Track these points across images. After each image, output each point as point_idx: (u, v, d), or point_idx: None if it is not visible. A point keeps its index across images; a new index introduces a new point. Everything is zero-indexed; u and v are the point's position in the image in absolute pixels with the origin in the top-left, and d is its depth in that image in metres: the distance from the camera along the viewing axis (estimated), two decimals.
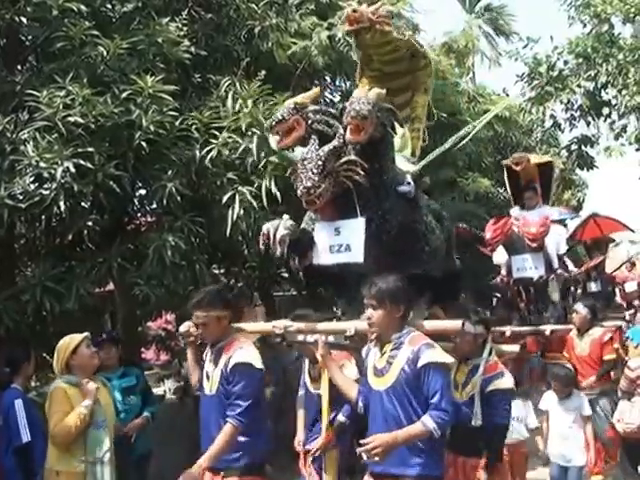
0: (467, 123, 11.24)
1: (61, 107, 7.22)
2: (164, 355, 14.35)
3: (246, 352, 5.02)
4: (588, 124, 14.76)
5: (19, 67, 8.26)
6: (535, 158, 10.32)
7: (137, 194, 8.66)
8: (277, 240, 5.03)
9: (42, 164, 7.04)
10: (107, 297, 9.33)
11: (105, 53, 7.75)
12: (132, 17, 8.61)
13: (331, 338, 5.18)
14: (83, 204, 7.61)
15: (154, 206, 8.34)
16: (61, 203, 7.08)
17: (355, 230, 4.94)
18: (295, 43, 9.52)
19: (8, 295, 7.35)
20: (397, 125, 5.52)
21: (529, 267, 9.08)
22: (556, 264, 9.22)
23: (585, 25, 14.26)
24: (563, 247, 9.53)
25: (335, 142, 4.93)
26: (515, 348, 6.27)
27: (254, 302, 12.51)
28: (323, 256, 5.10)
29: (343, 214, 5.03)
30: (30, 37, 8.39)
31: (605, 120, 14.59)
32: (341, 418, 6.19)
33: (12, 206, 7.03)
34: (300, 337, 5.44)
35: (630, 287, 13.59)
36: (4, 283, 7.82)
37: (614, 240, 12.73)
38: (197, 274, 7.79)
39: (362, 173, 4.92)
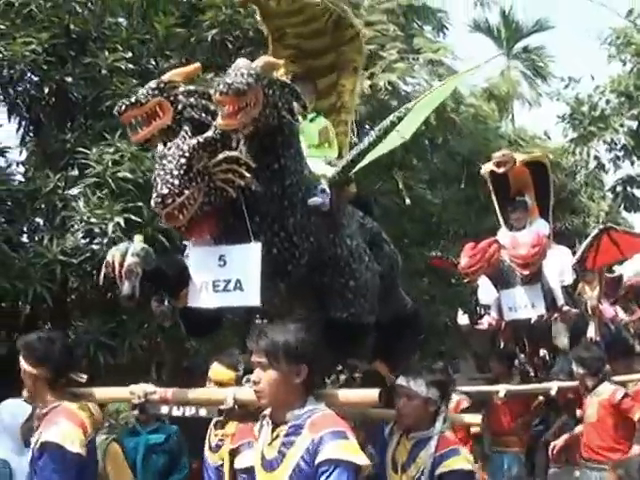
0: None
1: (110, 164, 7.38)
2: None
3: (60, 428, 3.82)
4: (632, 163, 14.64)
5: (69, 125, 8.43)
6: (524, 157, 8.08)
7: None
8: (123, 272, 3.61)
9: (93, 220, 7.17)
10: (155, 349, 9.39)
11: None
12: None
13: (203, 412, 4.00)
14: None
15: None
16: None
17: (248, 259, 3.60)
18: None
19: None
20: (308, 112, 4.32)
21: (524, 305, 7.02)
22: (561, 299, 7.20)
23: (625, 63, 14.23)
24: (569, 276, 7.49)
25: (209, 133, 3.59)
26: (477, 418, 4.73)
27: None
28: (204, 297, 3.69)
29: (229, 236, 3.70)
30: (79, 96, 8.57)
31: None
32: None
33: (64, 262, 7.15)
34: (164, 409, 4.11)
35: None
36: None
37: None
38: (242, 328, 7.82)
39: (249, 176, 3.62)
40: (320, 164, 4.20)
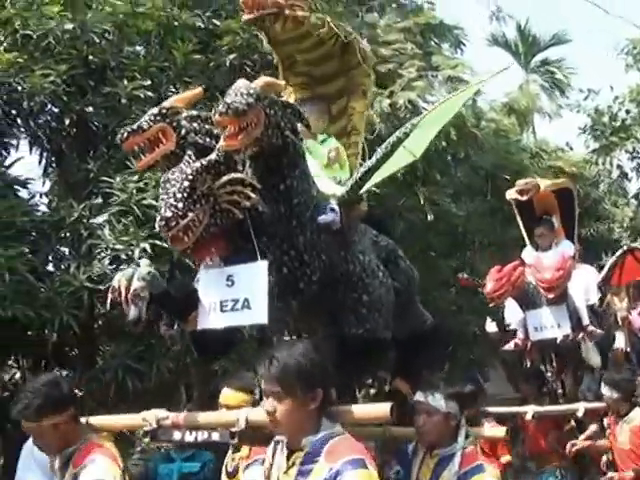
0: None
1: (135, 191, 7.45)
2: None
3: (99, 466, 3.69)
4: None
5: (91, 155, 8.51)
6: (547, 183, 7.98)
7: None
8: (129, 297, 3.60)
9: (119, 246, 7.23)
10: (183, 371, 9.41)
11: None
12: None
13: (216, 436, 3.86)
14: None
15: None
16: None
17: (255, 277, 3.57)
18: None
19: (90, 376, 7.48)
20: (319, 133, 4.36)
21: (550, 325, 7.00)
22: (586, 319, 7.08)
23: None
24: (594, 295, 7.29)
25: (212, 156, 3.59)
26: (500, 431, 4.67)
27: None
28: (212, 317, 3.68)
29: (238, 257, 3.68)
30: (100, 125, 8.66)
31: None
32: None
33: (91, 288, 7.20)
34: (177, 435, 3.94)
35: None
36: (85, 364, 7.97)
37: None
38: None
39: (255, 197, 3.61)
40: (330, 184, 4.21)
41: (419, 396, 3.94)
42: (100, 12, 8.38)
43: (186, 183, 3.46)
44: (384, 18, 11.94)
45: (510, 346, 7.46)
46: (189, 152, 3.60)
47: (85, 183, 8.07)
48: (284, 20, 4.17)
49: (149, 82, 8.34)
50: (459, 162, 12.13)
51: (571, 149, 15.68)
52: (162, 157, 3.63)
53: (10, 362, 8.82)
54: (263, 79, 3.68)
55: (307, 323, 4.06)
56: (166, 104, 3.72)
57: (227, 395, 4.98)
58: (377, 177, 3.96)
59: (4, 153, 8.51)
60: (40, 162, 8.69)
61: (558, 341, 6.97)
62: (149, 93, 8.17)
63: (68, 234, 7.78)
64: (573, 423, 7.18)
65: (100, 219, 7.56)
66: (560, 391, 7.43)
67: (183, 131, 3.64)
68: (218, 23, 9.04)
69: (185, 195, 3.44)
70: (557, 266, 6.94)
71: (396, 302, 4.21)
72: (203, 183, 3.50)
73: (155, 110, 3.67)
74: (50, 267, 7.83)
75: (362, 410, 3.50)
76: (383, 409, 3.43)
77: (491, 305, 7.17)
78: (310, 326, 4.07)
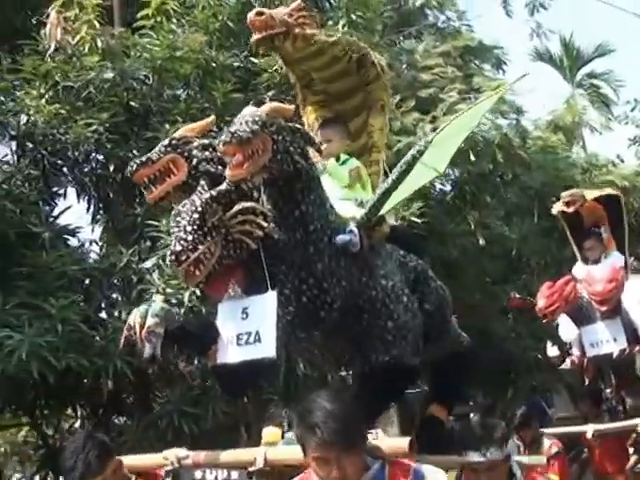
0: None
1: None
2: None
3: None
4: None
5: (137, 200, 8.57)
6: (593, 193, 7.75)
7: None
8: (143, 334, 3.55)
9: (169, 290, 7.21)
10: (241, 411, 9.37)
11: None
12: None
13: (235, 475, 3.84)
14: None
15: None
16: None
17: (265, 309, 3.45)
18: (400, 140, 9.58)
19: (147, 422, 7.46)
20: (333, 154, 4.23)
21: (605, 340, 6.78)
22: None
23: None
24: None
25: (222, 186, 3.50)
26: (541, 460, 4.62)
27: None
28: (230, 352, 3.57)
29: (255, 287, 3.58)
30: None
31: None
32: None
33: None
34: (198, 474, 3.94)
35: None
36: (142, 410, 7.96)
37: None
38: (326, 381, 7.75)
39: (267, 225, 3.55)
40: (350, 206, 4.06)
41: (474, 456, 3.71)
42: (138, 59, 8.45)
43: (196, 215, 3.39)
44: (422, 44, 11.94)
45: (567, 364, 7.36)
46: (202, 182, 3.52)
47: (133, 228, 8.12)
48: (294, 38, 4.06)
49: (190, 124, 8.37)
50: (508, 183, 11.97)
51: (622, 161, 15.42)
52: (175, 188, 3.56)
53: (68, 411, 8.85)
54: (269, 105, 3.59)
55: (331, 352, 3.94)
56: (176, 135, 3.67)
57: (267, 433, 4.91)
58: (397, 197, 3.88)
59: (52, 203, 8.63)
60: (88, 210, 8.78)
61: (614, 356, 6.74)
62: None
63: (119, 280, 7.82)
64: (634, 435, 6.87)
65: (149, 263, 7.57)
66: (620, 408, 7.20)
67: (195, 161, 3.58)
68: (256, 61, 9.08)
69: (195, 227, 3.36)
70: (608, 278, 6.74)
71: (428, 324, 4.08)
72: (213, 214, 3.42)
73: (165, 141, 3.62)
74: (103, 314, 7.87)
75: (385, 444, 3.35)
76: (402, 443, 3.33)
77: (544, 321, 6.99)
78: (335, 355, 3.96)
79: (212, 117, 4.13)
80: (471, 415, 12.62)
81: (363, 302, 3.83)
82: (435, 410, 4.34)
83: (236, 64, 8.98)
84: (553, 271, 11.78)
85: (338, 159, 4.29)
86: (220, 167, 3.54)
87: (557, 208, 7.56)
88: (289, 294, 3.56)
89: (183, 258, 3.33)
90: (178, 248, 3.34)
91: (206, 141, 3.69)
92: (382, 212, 3.94)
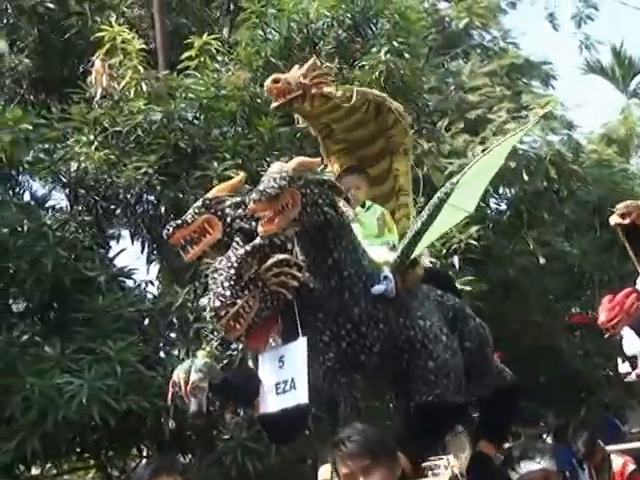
0: None
1: None
2: None
3: None
4: None
5: None
6: None
7: None
8: (188, 390, 3.59)
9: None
10: (305, 446, 9.29)
11: None
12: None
13: None
14: None
15: None
16: (250, 362, 7.21)
17: (297, 356, 3.55)
18: (451, 163, 9.52)
19: (211, 460, 7.45)
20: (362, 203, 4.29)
21: None
22: None
23: None
24: None
25: (256, 240, 3.60)
26: None
27: None
28: (269, 401, 3.65)
29: (293, 336, 3.68)
30: None
31: None
32: None
33: None
34: None
35: None
36: (204, 448, 7.95)
37: None
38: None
39: (302, 276, 3.66)
40: (383, 251, 4.14)
41: (532, 465, 3.68)
42: (184, 100, 8.58)
43: (232, 271, 3.49)
44: (468, 64, 11.89)
45: (632, 377, 7.23)
46: (237, 239, 3.64)
47: (187, 267, 8.14)
48: (311, 99, 4.15)
49: (239, 161, 8.44)
50: (564, 199, 11.80)
51: None
52: (211, 247, 3.70)
53: (133, 451, 8.89)
54: (296, 160, 3.68)
55: (374, 395, 4.02)
56: (209, 195, 3.79)
57: (323, 470, 4.85)
58: (428, 239, 3.95)
59: (107, 247, 8.76)
60: (142, 251, 8.89)
61: None
62: (239, 171, 8.24)
63: (175, 319, 7.86)
64: None
65: (205, 301, 7.58)
66: None
67: (228, 219, 3.72)
68: None
69: (232, 283, 3.48)
70: None
71: (469, 362, 4.13)
72: (249, 268, 3.53)
73: (199, 203, 3.75)
74: (161, 354, 7.92)
75: None
76: None
77: (607, 335, 6.81)
78: (377, 398, 4.06)
79: (242, 174, 4.27)
80: (544, 436, 12.42)
81: (402, 343, 3.91)
82: (483, 446, 4.38)
83: None
84: (616, 285, 11.56)
85: (363, 205, 4.35)
86: (253, 223, 3.63)
87: (613, 220, 7.33)
88: (328, 340, 3.66)
89: (222, 313, 3.44)
90: (217, 304, 3.46)
91: (238, 199, 3.81)
92: (414, 255, 4.00)
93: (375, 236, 4.27)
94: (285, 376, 3.58)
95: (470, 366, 4.12)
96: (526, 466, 3.68)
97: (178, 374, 3.66)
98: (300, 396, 3.49)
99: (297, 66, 4.29)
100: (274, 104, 4.17)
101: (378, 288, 3.80)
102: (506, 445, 4.50)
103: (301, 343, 3.55)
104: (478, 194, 4.00)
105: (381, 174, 4.60)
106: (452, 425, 4.20)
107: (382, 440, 2.88)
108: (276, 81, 4.08)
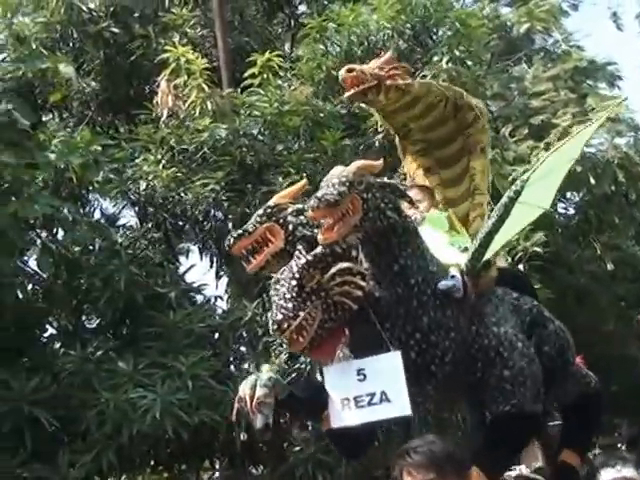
0: None
1: None
2: None
3: None
4: None
5: None
6: None
7: None
8: (254, 405, 3.46)
9: None
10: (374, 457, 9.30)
11: None
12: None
13: None
14: None
15: None
16: (318, 374, 7.26)
17: (390, 369, 3.43)
18: (515, 170, 9.43)
19: (282, 473, 7.52)
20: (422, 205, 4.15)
21: None
22: None
23: None
24: None
25: (317, 249, 3.45)
26: None
27: None
28: (347, 415, 3.50)
29: (363, 347, 3.56)
30: None
31: None
32: None
33: None
34: None
35: None
36: (276, 460, 8.02)
37: None
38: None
39: (366, 284, 3.50)
40: (454, 253, 3.97)
41: (611, 473, 3.54)
42: (248, 116, 8.71)
43: (294, 282, 3.36)
44: (531, 69, 11.76)
45: None
46: (299, 247, 3.49)
47: (256, 281, 8.23)
48: (386, 90, 4.00)
49: (304, 175, 8.50)
50: (634, 203, 11.60)
51: None
52: (274, 256, 3.56)
53: (205, 464, 9.01)
54: (356, 164, 3.52)
55: (448, 405, 3.95)
56: (270, 203, 3.67)
57: None
58: (501, 239, 3.80)
59: (176, 263, 8.92)
60: (211, 266, 9.02)
61: None
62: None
63: (245, 334, 7.97)
64: None
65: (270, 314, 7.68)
66: None
67: (290, 227, 3.59)
68: (363, 105, 9.13)
69: (294, 294, 3.33)
70: None
71: (549, 368, 3.93)
72: (311, 279, 3.39)
73: (260, 211, 3.63)
74: (231, 368, 8.02)
75: None
76: None
77: None
78: (450, 409, 3.91)
79: (304, 181, 4.14)
80: (618, 445, 12.19)
81: (475, 352, 3.75)
82: (566, 456, 4.18)
83: (343, 111, 9.09)
84: None
85: (437, 206, 4.32)
86: (316, 230, 3.47)
87: None
88: (400, 353, 3.47)
89: (285, 326, 3.32)
90: (279, 317, 3.33)
91: (300, 206, 3.67)
92: (487, 256, 3.83)
93: (446, 231, 4.13)
94: (370, 389, 3.43)
95: (550, 372, 3.93)
96: (605, 474, 3.55)
97: (244, 389, 3.54)
98: (400, 408, 3.38)
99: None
100: (347, 94, 4.01)
101: (445, 283, 3.64)
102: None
103: (395, 356, 3.42)
104: (554, 189, 3.81)
105: (458, 175, 4.44)
106: (531, 436, 3.99)
107: (450, 454, 2.81)
108: (350, 70, 3.94)
